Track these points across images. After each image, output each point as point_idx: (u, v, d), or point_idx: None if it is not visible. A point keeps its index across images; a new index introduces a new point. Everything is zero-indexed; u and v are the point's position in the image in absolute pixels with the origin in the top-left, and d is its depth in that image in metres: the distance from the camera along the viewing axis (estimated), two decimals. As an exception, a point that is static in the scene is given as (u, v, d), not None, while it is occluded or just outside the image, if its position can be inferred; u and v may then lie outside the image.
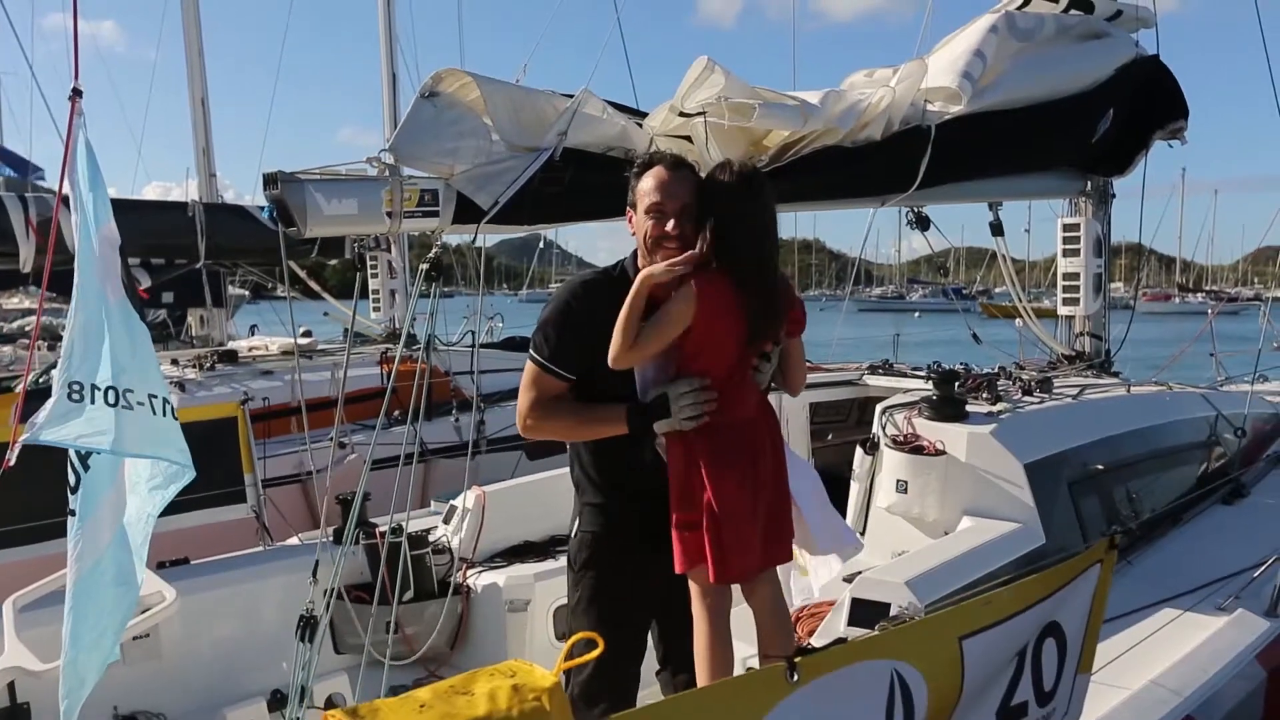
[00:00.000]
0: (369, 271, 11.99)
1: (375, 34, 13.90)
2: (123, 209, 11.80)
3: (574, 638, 2.09)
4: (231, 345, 11.52)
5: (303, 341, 11.72)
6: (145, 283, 10.64)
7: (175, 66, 13.23)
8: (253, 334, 13.76)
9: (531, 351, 3.27)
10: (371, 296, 12.07)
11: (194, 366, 9.90)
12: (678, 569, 3.11)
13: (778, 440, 3.27)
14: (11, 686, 4.10)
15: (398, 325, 11.65)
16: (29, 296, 13.42)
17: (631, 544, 3.28)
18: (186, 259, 10.92)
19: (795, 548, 3.47)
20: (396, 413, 7.45)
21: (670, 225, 3.11)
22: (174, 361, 10.17)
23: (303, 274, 12.49)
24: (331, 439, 4.92)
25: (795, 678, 2.17)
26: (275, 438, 8.36)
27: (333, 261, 13.04)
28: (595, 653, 2.01)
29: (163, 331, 12.45)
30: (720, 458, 3.08)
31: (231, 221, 11.03)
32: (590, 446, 3.33)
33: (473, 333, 10.89)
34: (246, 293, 15.90)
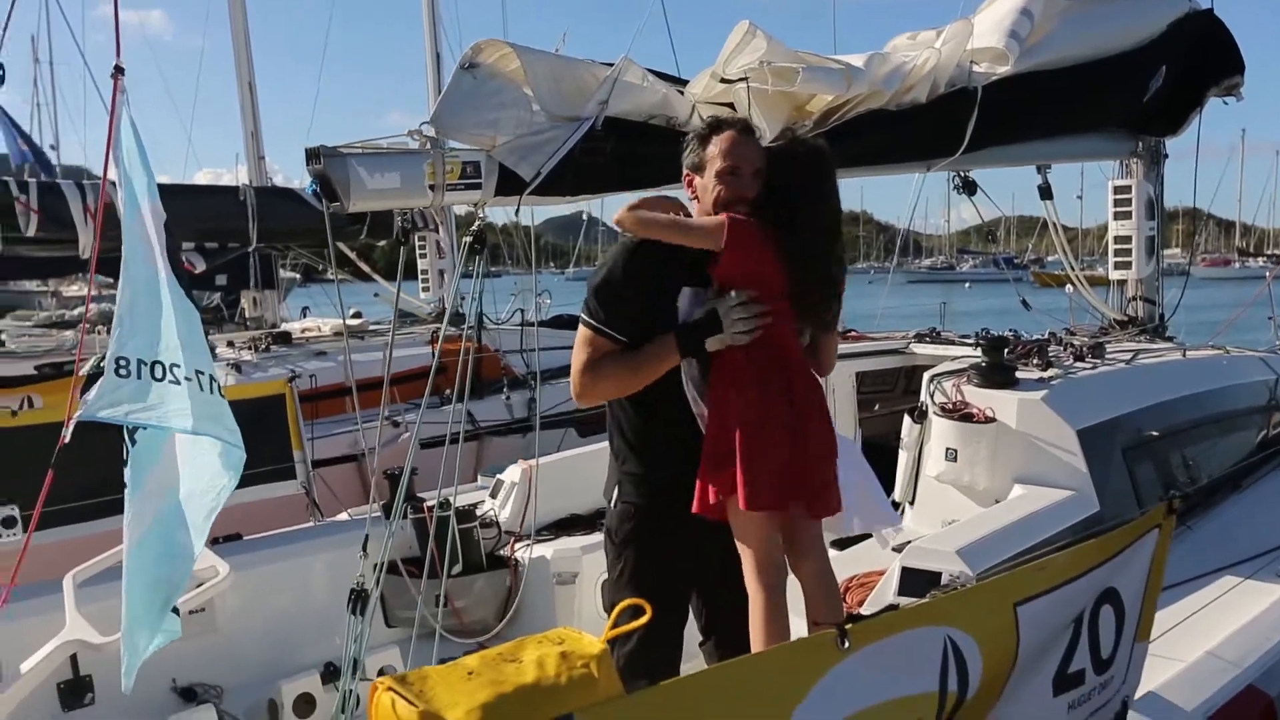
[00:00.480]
0: (417, 252, 12.05)
1: (420, 17, 13.94)
2: (176, 194, 11.98)
3: (620, 605, 2.07)
4: (285, 327, 11.68)
5: (353, 322, 11.86)
6: (200, 266, 10.84)
7: (222, 53, 13.38)
8: (305, 316, 13.92)
9: (584, 315, 3.21)
10: (420, 276, 12.12)
11: (249, 348, 10.04)
12: (710, 500, 3.04)
13: (824, 408, 3.23)
14: (74, 659, 4.18)
15: (458, 306, 11.72)
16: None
17: (673, 515, 3.22)
18: (239, 243, 11.07)
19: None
20: (448, 391, 7.45)
21: (749, 187, 3.10)
22: (230, 344, 10.34)
23: (352, 255, 12.60)
24: (381, 418, 4.94)
25: (846, 644, 2.15)
26: (331, 417, 8.44)
27: (381, 243, 13.14)
28: (642, 620, 1.99)
29: (216, 315, 12.68)
30: (769, 392, 3.03)
31: (282, 205, 11.15)
32: (632, 414, 3.28)
33: (521, 310, 10.92)
34: (297, 275, 16.09)
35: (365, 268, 12.89)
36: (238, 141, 13.55)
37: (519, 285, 11.74)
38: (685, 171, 3.25)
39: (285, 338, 10.64)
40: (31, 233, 9.55)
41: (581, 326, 3.22)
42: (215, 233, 10.99)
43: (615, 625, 2.03)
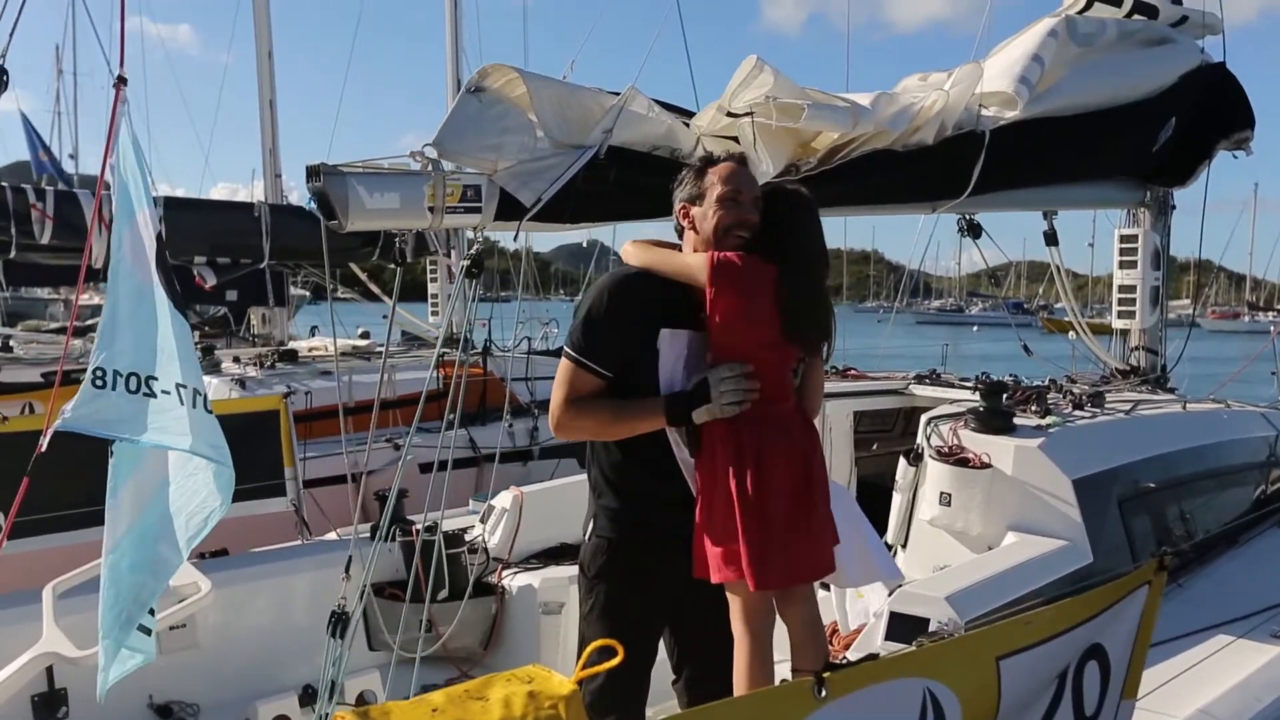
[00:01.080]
0: (427, 275, 12.08)
1: (441, 40, 14.00)
2: (191, 208, 12.12)
3: (592, 645, 2.03)
4: (292, 345, 11.71)
5: (361, 343, 11.87)
6: (211, 280, 10.89)
7: (246, 69, 13.47)
8: (313, 334, 13.96)
9: (567, 348, 3.18)
10: (430, 300, 12.15)
11: (255, 364, 10.05)
12: (713, 578, 3.01)
13: (820, 456, 3.20)
14: (50, 671, 4.13)
15: (455, 329, 11.75)
16: (98, 293, 13.79)
17: (647, 551, 3.19)
18: (251, 259, 11.12)
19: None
20: (452, 416, 7.40)
21: (750, 212, 3.11)
22: (236, 359, 10.35)
23: (363, 276, 12.62)
24: (370, 440, 4.89)
25: (823, 693, 2.10)
26: (332, 437, 8.41)
27: (393, 264, 13.16)
28: (613, 662, 1.95)
29: (224, 328, 12.74)
30: (765, 455, 2.99)
31: (296, 223, 11.22)
32: (612, 448, 3.24)
33: (529, 339, 10.94)
34: (307, 293, 16.16)
35: (375, 288, 12.91)
36: (255, 156, 13.64)
37: (527, 311, 11.76)
38: (680, 203, 3.25)
39: (291, 355, 10.65)
40: (45, 240, 9.64)
41: (564, 359, 3.18)
42: (228, 248, 11.08)
43: (587, 665, 1.98)
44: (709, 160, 3.26)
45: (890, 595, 3.90)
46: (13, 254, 9.81)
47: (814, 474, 3.11)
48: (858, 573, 3.43)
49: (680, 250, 3.29)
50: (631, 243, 3.33)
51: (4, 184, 10.06)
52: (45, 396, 8.61)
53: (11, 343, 13.84)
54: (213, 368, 9.75)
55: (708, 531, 3.02)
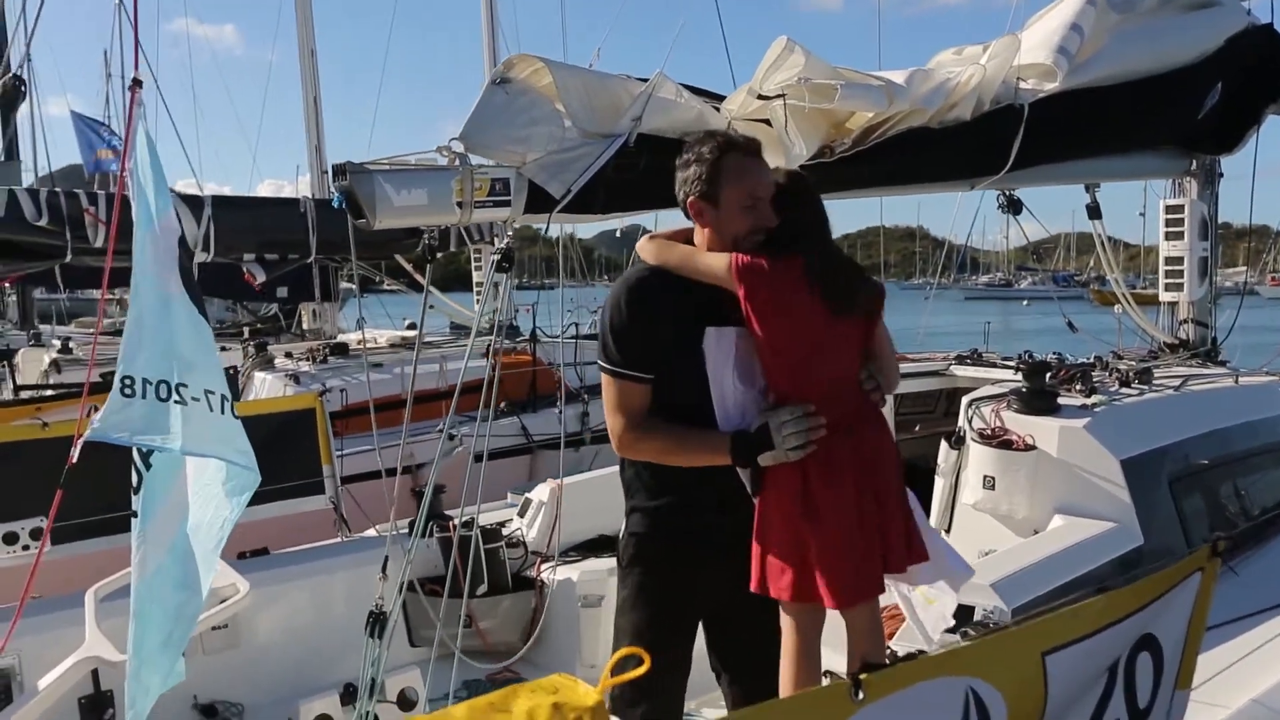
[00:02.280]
0: (472, 264, 12.10)
1: (479, 29, 13.97)
2: (239, 205, 12.25)
3: (618, 654, 1.98)
4: (341, 338, 11.77)
5: (409, 333, 11.94)
6: (261, 277, 10.97)
7: (290, 66, 13.56)
8: (359, 327, 14.06)
9: (603, 364, 3.12)
10: (475, 289, 12.19)
11: (307, 359, 10.12)
12: (783, 596, 2.93)
13: (894, 456, 3.12)
14: (95, 674, 4.16)
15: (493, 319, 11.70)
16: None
17: (685, 552, 3.14)
18: (299, 254, 11.18)
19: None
20: (504, 405, 7.41)
21: (770, 217, 3.03)
22: (288, 355, 10.42)
23: (408, 266, 12.67)
24: (404, 436, 4.88)
25: (860, 696, 2.04)
26: (382, 430, 8.42)
27: (439, 255, 13.17)
28: (638, 672, 1.89)
29: (275, 324, 12.85)
30: (832, 471, 2.91)
31: (340, 217, 11.20)
32: None
33: (576, 324, 10.93)
34: (355, 286, 16.29)
35: (420, 279, 12.93)
36: (300, 153, 13.71)
37: (575, 300, 11.75)
38: (692, 198, 3.14)
39: (342, 349, 10.72)
40: (99, 244, 9.74)
41: (604, 377, 3.12)
42: (276, 244, 11.15)
43: (615, 671, 1.93)
44: (723, 146, 3.12)
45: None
46: (68, 258, 9.93)
47: (886, 480, 3.02)
48: (928, 570, 3.29)
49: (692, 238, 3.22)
50: (648, 239, 3.26)
51: (58, 190, 10.18)
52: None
53: (71, 344, 14.07)
54: (266, 364, 9.82)
55: (768, 549, 2.95)
